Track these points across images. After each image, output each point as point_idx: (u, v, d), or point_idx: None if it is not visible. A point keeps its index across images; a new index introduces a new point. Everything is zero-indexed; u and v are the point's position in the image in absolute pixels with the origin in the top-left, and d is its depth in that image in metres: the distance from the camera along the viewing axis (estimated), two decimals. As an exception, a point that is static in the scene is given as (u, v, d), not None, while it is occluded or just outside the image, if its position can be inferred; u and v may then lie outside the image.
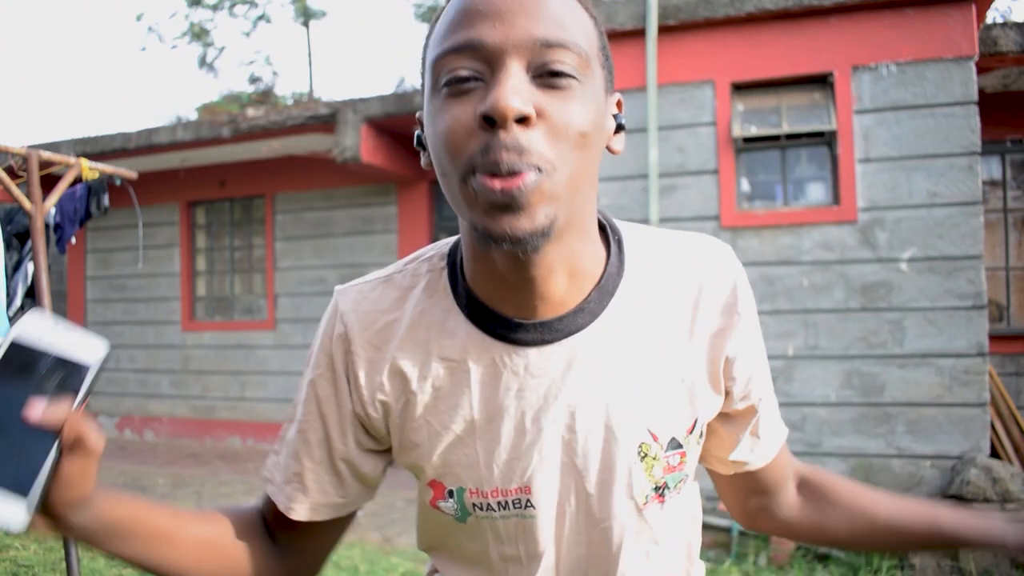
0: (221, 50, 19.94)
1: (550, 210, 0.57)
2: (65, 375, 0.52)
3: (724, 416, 0.76)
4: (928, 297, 3.80)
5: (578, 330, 0.66)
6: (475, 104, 0.57)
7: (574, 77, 0.58)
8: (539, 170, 0.56)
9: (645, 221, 4.20)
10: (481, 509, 0.71)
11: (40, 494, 0.51)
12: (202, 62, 18.26)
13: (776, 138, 4.06)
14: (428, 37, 0.64)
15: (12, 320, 2.85)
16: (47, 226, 3.20)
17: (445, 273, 0.71)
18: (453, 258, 0.72)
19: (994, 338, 4.63)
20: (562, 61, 0.57)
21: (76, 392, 0.52)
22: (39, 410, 0.51)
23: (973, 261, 3.74)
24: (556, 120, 0.57)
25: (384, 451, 0.75)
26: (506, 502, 0.69)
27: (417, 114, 0.68)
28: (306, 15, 17.14)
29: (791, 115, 4.07)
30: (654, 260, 0.71)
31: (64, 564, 2.58)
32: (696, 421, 0.71)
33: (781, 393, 3.97)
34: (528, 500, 0.69)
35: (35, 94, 42.52)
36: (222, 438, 7.27)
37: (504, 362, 0.67)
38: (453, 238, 0.75)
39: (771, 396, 0.78)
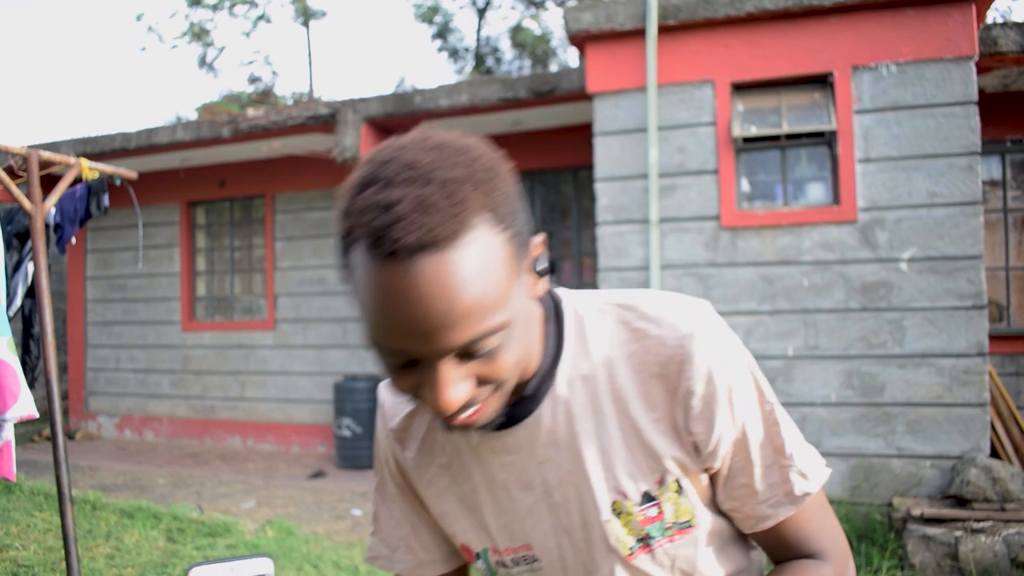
0: (221, 50, 19.95)
1: (500, 406, 0.67)
2: None
3: (709, 470, 0.76)
4: (928, 297, 3.80)
5: (528, 414, 0.74)
6: (418, 377, 0.63)
7: (495, 346, 0.61)
8: (486, 398, 0.65)
9: (645, 221, 4.20)
10: (503, 566, 0.82)
11: None
12: (202, 62, 18.28)
13: (776, 138, 4.06)
14: (346, 231, 0.60)
15: (12, 320, 2.85)
16: (47, 226, 3.19)
17: None
18: None
19: (994, 338, 4.63)
20: (486, 343, 0.60)
21: None
22: None
23: (973, 261, 3.74)
24: (492, 376, 0.63)
25: None
26: (518, 558, 0.80)
27: (342, 274, 0.65)
28: (306, 15, 17.15)
29: (791, 115, 4.07)
30: (602, 335, 0.75)
31: (64, 564, 2.58)
32: (664, 475, 0.74)
33: (781, 393, 3.96)
34: (532, 555, 0.79)
35: (35, 94, 42.52)
36: (222, 438, 7.27)
37: (486, 446, 0.77)
38: None
39: (772, 454, 0.76)
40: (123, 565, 3.59)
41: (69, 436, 7.60)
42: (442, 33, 18.28)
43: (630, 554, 0.75)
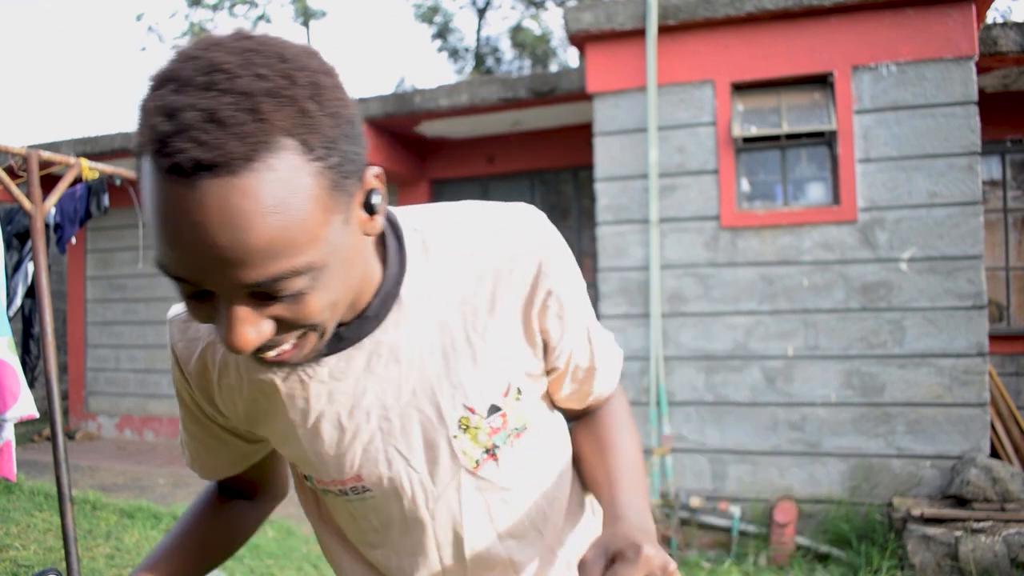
0: (221, 50, 19.93)
1: (320, 344, 0.62)
2: None
3: (551, 371, 0.80)
4: (928, 297, 3.80)
5: (368, 333, 0.70)
6: (211, 310, 0.56)
7: (300, 289, 0.54)
8: (299, 337, 0.60)
9: (645, 221, 4.20)
10: (330, 493, 0.79)
11: None
12: (202, 62, 18.23)
13: (776, 138, 4.06)
14: (140, 148, 0.52)
15: (12, 320, 2.85)
16: (47, 226, 3.20)
17: None
18: None
19: (994, 338, 4.63)
20: (287, 285, 0.53)
21: None
22: None
23: (973, 261, 3.74)
24: (296, 320, 0.57)
25: None
26: (345, 490, 0.77)
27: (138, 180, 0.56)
28: (306, 15, 17.16)
29: (791, 115, 4.07)
30: (445, 249, 0.72)
31: (64, 564, 2.59)
32: (510, 385, 0.75)
33: (781, 393, 3.97)
34: (363, 486, 0.76)
35: (35, 94, 42.51)
36: (222, 438, 7.27)
37: (308, 374, 0.70)
38: None
39: (599, 333, 0.83)
40: (123, 565, 3.59)
41: (69, 436, 7.60)
42: (442, 33, 18.28)
43: (476, 466, 0.76)
